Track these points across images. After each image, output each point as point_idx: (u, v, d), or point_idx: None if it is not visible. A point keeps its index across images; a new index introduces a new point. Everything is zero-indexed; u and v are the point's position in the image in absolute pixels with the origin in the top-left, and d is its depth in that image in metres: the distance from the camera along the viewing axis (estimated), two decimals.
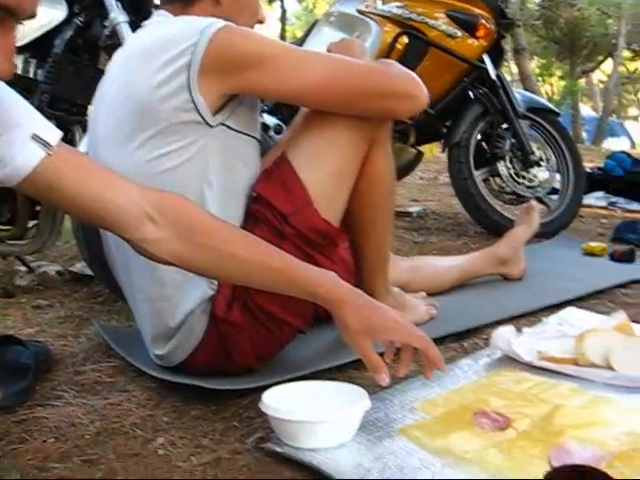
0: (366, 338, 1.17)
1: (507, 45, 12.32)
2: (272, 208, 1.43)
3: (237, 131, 1.44)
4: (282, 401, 1.20)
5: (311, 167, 1.45)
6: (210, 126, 1.39)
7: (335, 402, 1.20)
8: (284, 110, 2.88)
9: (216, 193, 1.41)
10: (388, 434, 1.21)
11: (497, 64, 3.25)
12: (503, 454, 1.13)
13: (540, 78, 19.09)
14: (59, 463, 1.18)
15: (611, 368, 1.45)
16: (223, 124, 1.41)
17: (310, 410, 1.18)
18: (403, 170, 3.47)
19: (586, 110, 20.16)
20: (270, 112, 2.86)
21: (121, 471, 1.15)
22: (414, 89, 1.47)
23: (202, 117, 1.37)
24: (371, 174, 1.55)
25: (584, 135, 16.26)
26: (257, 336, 1.44)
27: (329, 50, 1.60)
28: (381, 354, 1.22)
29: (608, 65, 17.56)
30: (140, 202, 1.13)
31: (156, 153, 1.37)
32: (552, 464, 1.08)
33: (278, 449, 1.17)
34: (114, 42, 2.06)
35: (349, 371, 1.53)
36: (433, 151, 4.78)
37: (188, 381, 1.41)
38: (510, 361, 1.54)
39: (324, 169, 1.46)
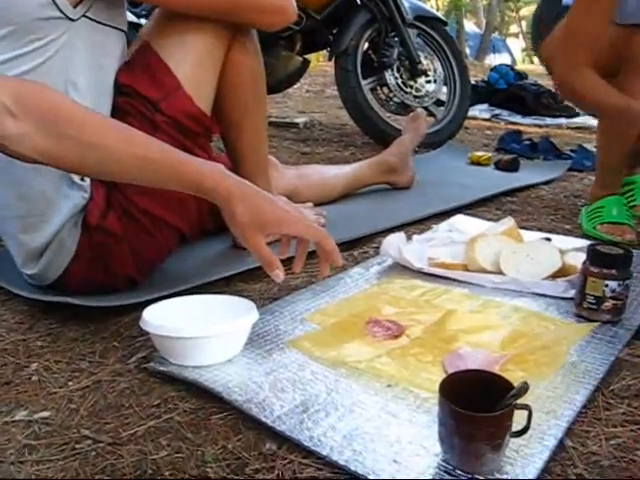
0: (257, 232, 1.06)
1: None
2: (140, 97, 1.36)
3: (101, 23, 1.32)
4: (165, 317, 1.11)
5: (176, 53, 1.40)
6: (71, 20, 1.25)
7: (221, 316, 1.13)
8: None
9: (83, 94, 1.29)
10: (278, 347, 1.16)
11: None
12: (397, 362, 1.10)
13: None
14: None
15: (500, 272, 1.45)
16: (85, 16, 1.28)
17: (195, 326, 1.11)
18: (290, 78, 3.37)
19: (470, 26, 20.42)
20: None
21: None
22: (282, 4, 1.45)
23: (61, 11, 1.23)
24: (238, 59, 1.50)
25: (467, 51, 16.51)
26: (137, 242, 1.35)
27: None
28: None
29: None
30: None
31: (11, 54, 1.23)
32: (446, 370, 1.07)
33: (162, 368, 1.10)
34: None
35: (237, 284, 1.47)
36: (319, 60, 4.68)
37: (62, 299, 1.30)
38: (401, 268, 1.52)
39: (189, 54, 1.40)
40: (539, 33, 2.12)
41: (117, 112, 1.36)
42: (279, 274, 1.08)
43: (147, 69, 1.38)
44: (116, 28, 1.37)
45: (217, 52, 1.45)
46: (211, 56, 1.44)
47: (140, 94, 1.36)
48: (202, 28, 1.41)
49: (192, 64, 1.40)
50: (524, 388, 0.83)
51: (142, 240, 1.35)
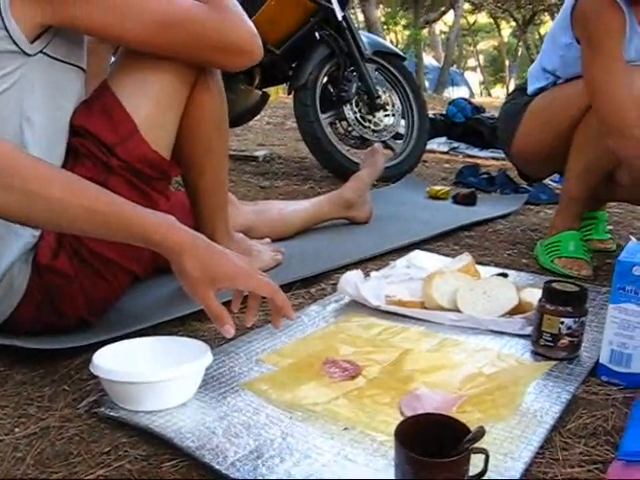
0: (207, 287, 1.06)
1: None
2: (95, 140, 1.31)
3: (59, 60, 1.28)
4: (115, 361, 1.08)
5: (135, 95, 1.34)
6: (27, 55, 1.22)
7: (174, 359, 1.10)
8: None
9: (37, 131, 1.26)
10: (233, 390, 1.13)
11: (344, 6, 3.18)
12: (353, 404, 1.08)
13: (385, 26, 19.39)
14: None
15: (458, 310, 1.45)
16: (43, 52, 1.25)
17: (146, 370, 1.08)
18: (249, 112, 3.37)
19: (429, 60, 20.78)
20: None
21: None
22: (248, 44, 1.37)
23: (17, 44, 1.20)
24: (200, 103, 1.46)
25: (426, 84, 16.78)
26: (89, 284, 1.31)
27: None
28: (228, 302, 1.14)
29: (450, 16, 18.08)
30: None
31: None
32: (403, 412, 1.05)
33: (113, 413, 1.06)
34: None
35: (192, 323, 1.44)
36: (279, 93, 4.70)
37: (8, 342, 1.26)
38: (358, 306, 1.51)
39: (149, 96, 1.35)
40: (509, 127, 2.14)
41: (71, 154, 1.32)
42: (229, 329, 1.08)
43: (103, 111, 1.33)
44: (75, 66, 1.33)
45: (179, 93, 1.40)
46: (172, 97, 1.39)
47: (95, 137, 1.31)
48: (164, 68, 1.35)
49: (151, 106, 1.35)
50: (480, 432, 0.82)
51: (94, 282, 1.32)
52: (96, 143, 1.31)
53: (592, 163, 1.87)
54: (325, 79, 3.19)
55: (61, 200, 1.02)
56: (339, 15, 3.11)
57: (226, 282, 1.08)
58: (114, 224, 1.04)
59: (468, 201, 2.75)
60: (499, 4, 18.31)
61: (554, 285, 1.30)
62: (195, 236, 1.08)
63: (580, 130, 1.86)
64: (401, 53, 3.54)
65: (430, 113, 4.65)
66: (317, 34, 3.17)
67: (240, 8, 1.38)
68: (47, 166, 1.07)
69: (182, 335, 1.33)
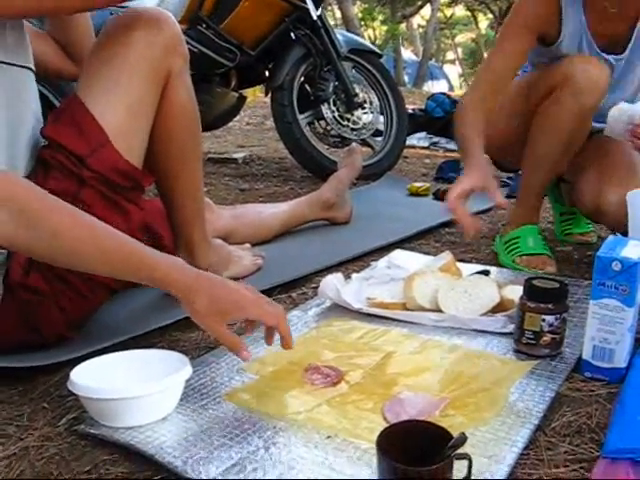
0: (218, 321, 1.10)
1: None
2: (66, 151, 1.29)
3: (6, 63, 1.25)
4: (93, 377, 1.06)
5: (104, 104, 1.32)
6: None
7: (153, 373, 1.09)
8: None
9: None
10: (215, 401, 1.12)
11: (318, 5, 3.17)
12: (336, 411, 1.07)
13: (363, 22, 19.40)
14: None
15: (439, 310, 1.44)
16: None
17: (124, 385, 1.06)
18: (226, 115, 3.36)
19: (407, 54, 20.81)
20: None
21: None
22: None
23: None
24: (171, 109, 1.43)
25: (405, 78, 16.79)
26: (65, 301, 1.30)
27: None
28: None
29: (427, 10, 18.10)
30: None
31: None
32: (386, 417, 1.04)
33: (93, 431, 1.04)
34: None
35: (172, 333, 1.42)
36: (256, 94, 4.69)
37: None
38: (340, 310, 1.50)
39: (118, 104, 1.33)
40: None
41: (42, 166, 1.30)
42: (247, 355, 1.12)
43: (73, 122, 1.31)
44: (24, 67, 1.30)
45: (149, 100, 1.38)
46: (142, 105, 1.37)
47: (66, 149, 1.29)
48: (132, 75, 1.34)
49: (121, 115, 1.33)
50: (462, 439, 0.81)
51: (70, 298, 1.30)
52: (67, 155, 1.29)
53: (545, 153, 1.84)
54: (302, 79, 3.18)
55: (78, 242, 1.07)
56: (314, 15, 3.10)
57: (234, 314, 1.13)
58: (122, 264, 1.09)
59: None
60: None
61: (534, 282, 1.29)
62: (199, 274, 1.12)
63: (534, 120, 1.84)
64: (377, 50, 3.53)
65: (409, 108, 4.64)
66: (292, 34, 3.15)
67: None
68: (66, 208, 1.09)
69: (162, 346, 1.32)
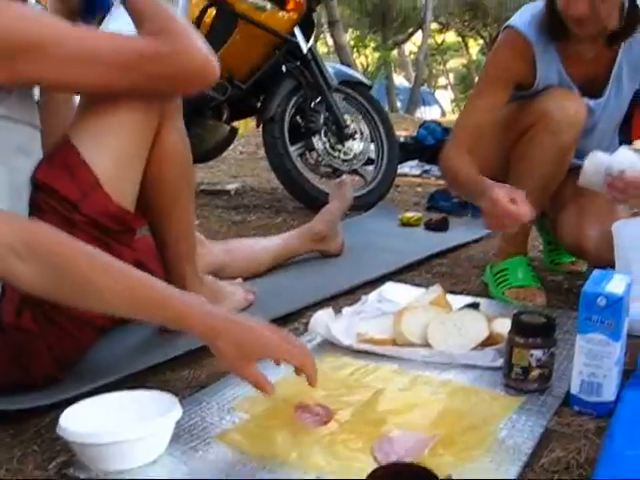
0: (245, 363, 1.12)
1: (322, 17, 12.49)
2: (58, 196, 1.30)
3: (11, 119, 1.27)
4: (81, 421, 1.07)
5: (96, 148, 1.33)
6: None
7: (142, 415, 1.09)
8: None
9: None
10: (205, 442, 1.12)
11: (309, 37, 3.21)
12: (326, 452, 1.07)
13: (355, 49, 19.56)
14: None
15: (429, 345, 1.45)
16: None
17: (113, 428, 1.06)
18: (218, 147, 3.38)
19: (400, 80, 20.98)
20: None
21: None
22: (202, 68, 1.34)
23: None
24: (163, 152, 1.45)
25: (398, 104, 16.89)
26: (54, 341, 1.30)
27: None
28: None
29: (418, 37, 18.25)
30: (6, 238, 1.06)
31: None
32: (376, 457, 1.05)
33: (82, 476, 1.05)
34: None
35: (164, 372, 1.42)
36: (248, 125, 4.71)
37: None
38: (331, 345, 1.51)
39: (110, 150, 1.34)
40: None
41: (35, 210, 1.31)
42: (270, 389, 1.14)
43: (65, 166, 1.31)
44: (28, 124, 1.32)
45: (141, 143, 1.39)
46: (134, 148, 1.38)
47: (58, 193, 1.30)
48: (124, 119, 1.35)
49: (113, 159, 1.34)
50: None
51: (59, 338, 1.30)
52: (59, 199, 1.30)
53: (527, 192, 1.85)
54: (293, 111, 3.20)
55: (111, 289, 1.10)
56: (304, 48, 3.14)
57: (261, 354, 1.15)
58: (149, 308, 1.12)
59: (440, 227, 2.76)
60: (466, 23, 18.54)
61: (522, 317, 1.30)
62: (225, 318, 1.14)
63: (512, 159, 1.84)
64: (367, 81, 3.56)
65: (401, 137, 4.68)
66: (283, 67, 3.19)
67: (191, 28, 1.35)
68: (98, 255, 1.13)
69: (152, 385, 1.32)
